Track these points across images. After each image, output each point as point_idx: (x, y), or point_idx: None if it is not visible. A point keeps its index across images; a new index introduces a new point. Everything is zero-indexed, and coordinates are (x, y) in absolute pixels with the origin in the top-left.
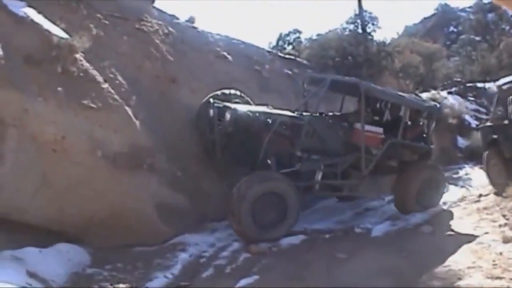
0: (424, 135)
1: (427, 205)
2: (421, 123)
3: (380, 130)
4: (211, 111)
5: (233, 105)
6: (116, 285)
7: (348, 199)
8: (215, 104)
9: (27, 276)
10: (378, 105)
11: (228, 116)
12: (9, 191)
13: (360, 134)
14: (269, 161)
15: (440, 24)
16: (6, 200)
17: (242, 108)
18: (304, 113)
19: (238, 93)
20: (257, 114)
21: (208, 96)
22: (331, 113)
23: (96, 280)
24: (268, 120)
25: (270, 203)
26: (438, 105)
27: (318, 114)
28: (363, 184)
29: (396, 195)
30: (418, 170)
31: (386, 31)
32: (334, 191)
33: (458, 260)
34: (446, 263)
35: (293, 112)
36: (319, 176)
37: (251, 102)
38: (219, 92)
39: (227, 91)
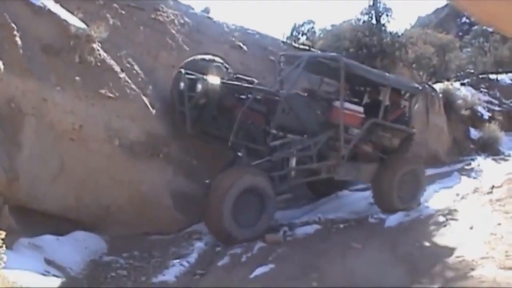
0: (406, 118)
1: (408, 200)
2: (402, 106)
3: (361, 109)
4: (182, 83)
5: (205, 76)
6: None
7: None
8: (186, 75)
9: (45, 263)
10: (358, 87)
11: (199, 87)
12: (28, 179)
13: (339, 112)
14: (239, 154)
15: (453, 14)
16: (25, 188)
17: (215, 79)
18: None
19: (214, 58)
20: (230, 86)
21: (180, 65)
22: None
23: (113, 268)
24: (243, 94)
25: (248, 200)
26: (420, 87)
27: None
28: (342, 166)
29: (375, 187)
30: (400, 160)
31: (398, 22)
32: (312, 176)
33: (471, 251)
34: (459, 253)
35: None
36: (293, 162)
37: (231, 71)
38: (193, 59)
39: (203, 57)
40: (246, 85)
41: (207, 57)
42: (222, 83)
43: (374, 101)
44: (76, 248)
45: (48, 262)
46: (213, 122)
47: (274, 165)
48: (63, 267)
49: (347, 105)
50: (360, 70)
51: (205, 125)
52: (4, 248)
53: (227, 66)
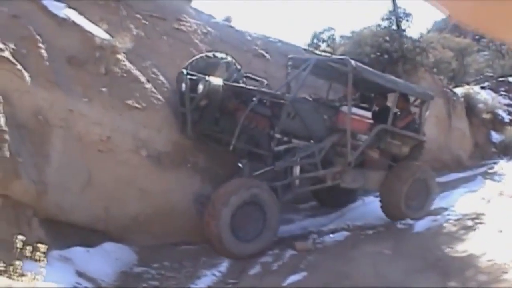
0: (416, 125)
1: (417, 209)
2: (413, 112)
3: (369, 114)
4: (183, 84)
5: (207, 77)
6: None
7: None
8: (188, 76)
9: (76, 275)
10: (367, 93)
11: (201, 87)
12: (56, 191)
13: (346, 118)
14: (240, 165)
15: None
16: (53, 200)
17: (217, 80)
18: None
19: (223, 56)
20: (234, 88)
21: (187, 63)
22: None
23: (145, 279)
24: (246, 96)
25: (249, 213)
26: (431, 93)
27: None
28: (349, 173)
29: (382, 196)
30: (408, 168)
31: (415, 26)
32: (317, 184)
33: (501, 254)
34: (490, 257)
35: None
36: (297, 170)
37: (241, 70)
38: (200, 57)
39: (211, 54)
40: (250, 87)
41: (216, 54)
42: (225, 84)
43: (383, 107)
44: (106, 260)
45: (80, 274)
46: (215, 124)
47: (277, 174)
48: (94, 279)
49: (355, 110)
50: (369, 74)
51: (207, 128)
52: (45, 261)
53: (237, 64)
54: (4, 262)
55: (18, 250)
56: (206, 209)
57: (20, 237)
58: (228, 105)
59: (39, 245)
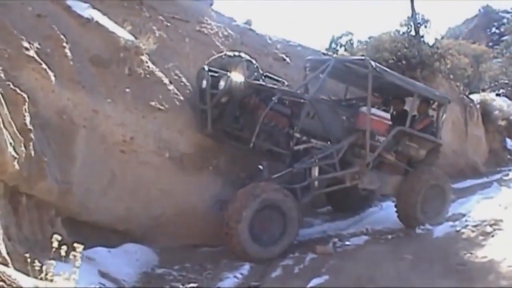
0: (434, 129)
1: (433, 216)
2: (430, 115)
3: (387, 115)
4: (204, 81)
5: (229, 73)
6: (187, 285)
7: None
8: (209, 73)
9: (99, 276)
10: (386, 95)
11: (222, 84)
12: (80, 191)
13: (366, 118)
14: (260, 167)
15: (482, 25)
16: (77, 199)
17: (238, 77)
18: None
19: (241, 55)
20: (255, 86)
21: (207, 61)
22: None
23: (167, 280)
24: (267, 94)
25: (269, 217)
26: (448, 97)
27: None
28: (367, 174)
29: (398, 200)
30: (424, 174)
31: (430, 33)
32: (336, 184)
33: None
34: (510, 263)
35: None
36: (315, 171)
37: (260, 70)
38: (219, 55)
39: (230, 53)
40: (270, 85)
41: (235, 53)
42: (246, 81)
43: (401, 111)
44: (128, 260)
45: (102, 274)
46: (235, 122)
47: (296, 176)
48: (117, 280)
49: (374, 111)
50: (389, 75)
51: (227, 125)
52: (79, 262)
53: (256, 64)
54: (39, 262)
55: (54, 250)
56: (222, 222)
57: (57, 236)
58: (248, 103)
59: (75, 244)
